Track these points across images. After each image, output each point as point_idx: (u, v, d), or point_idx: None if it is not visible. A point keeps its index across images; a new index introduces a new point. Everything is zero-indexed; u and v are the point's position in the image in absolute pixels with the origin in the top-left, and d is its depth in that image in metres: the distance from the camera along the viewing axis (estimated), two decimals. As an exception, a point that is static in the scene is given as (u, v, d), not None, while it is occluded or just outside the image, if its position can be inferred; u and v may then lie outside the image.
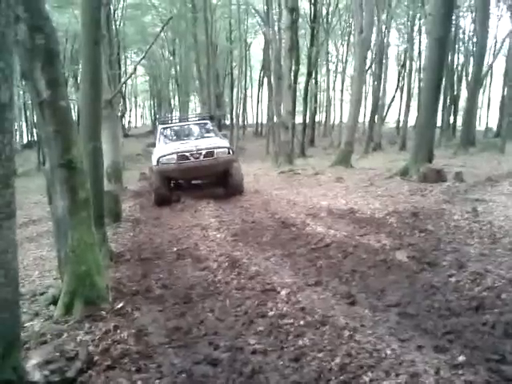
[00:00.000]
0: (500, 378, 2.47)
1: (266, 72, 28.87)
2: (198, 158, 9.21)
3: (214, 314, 3.58)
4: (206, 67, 24.68)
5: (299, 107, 27.38)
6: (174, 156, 9.20)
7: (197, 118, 12.23)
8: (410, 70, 27.85)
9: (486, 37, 20.61)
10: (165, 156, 9.29)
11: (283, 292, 3.88)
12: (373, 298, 3.75)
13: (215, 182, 10.49)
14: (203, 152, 9.26)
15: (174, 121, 12.39)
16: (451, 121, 30.00)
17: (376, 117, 25.27)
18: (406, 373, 2.56)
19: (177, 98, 38.17)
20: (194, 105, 44.21)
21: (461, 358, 2.68)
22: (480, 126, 30.90)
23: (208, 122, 11.55)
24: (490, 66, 27.04)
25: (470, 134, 21.88)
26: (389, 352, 2.80)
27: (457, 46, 27.82)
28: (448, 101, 28.55)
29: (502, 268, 4.21)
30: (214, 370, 2.74)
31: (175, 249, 5.78)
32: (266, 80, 30.96)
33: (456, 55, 28.33)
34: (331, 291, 3.92)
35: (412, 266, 4.47)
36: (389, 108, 31.11)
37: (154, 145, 10.65)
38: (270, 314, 3.47)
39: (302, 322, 3.27)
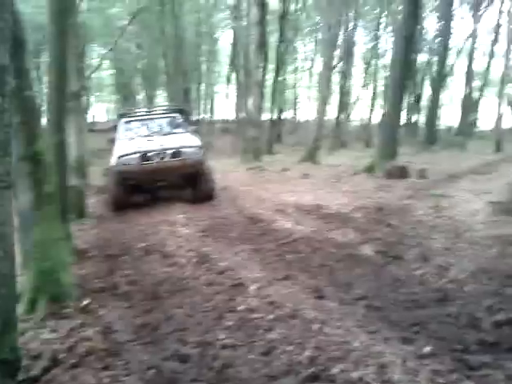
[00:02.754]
0: (464, 366, 2.55)
1: (235, 68, 28.80)
2: (163, 158, 8.13)
3: (182, 310, 3.55)
4: (173, 61, 24.39)
5: (267, 104, 27.45)
6: (136, 156, 8.04)
7: (164, 112, 10.85)
8: (376, 69, 28.30)
9: (448, 37, 21.17)
10: (125, 155, 8.10)
11: (252, 287, 3.89)
12: (340, 291, 3.81)
13: (182, 185, 9.14)
14: (169, 152, 8.17)
15: (138, 114, 10.78)
16: (414, 119, 30.70)
17: (342, 114, 25.58)
18: (374, 364, 2.61)
19: (143, 92, 37.57)
20: (161, 99, 43.63)
21: (426, 349, 2.76)
22: (442, 125, 31.72)
23: (177, 115, 10.26)
24: (452, 66, 27.84)
25: (432, 132, 22.49)
26: (357, 344, 2.85)
27: (421, 46, 28.40)
28: (411, 99, 29.18)
29: (465, 261, 4.36)
30: (183, 366, 2.72)
31: (142, 245, 5.68)
32: (234, 76, 30.87)
33: (420, 54, 28.92)
34: (300, 285, 3.95)
35: (378, 259, 4.56)
36: (355, 105, 31.58)
37: (114, 141, 9.31)
38: (240, 308, 3.47)
39: (271, 316, 3.28)
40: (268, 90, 27.02)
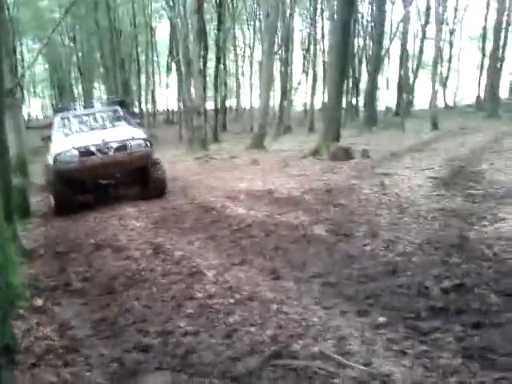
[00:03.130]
0: (417, 333, 2.70)
1: (174, 57, 28.33)
2: (106, 153, 7.48)
3: (140, 302, 3.51)
4: (110, 53, 23.71)
5: (210, 93, 27.28)
6: (76, 152, 7.34)
7: (104, 104, 10.16)
8: (315, 54, 28.73)
9: (383, 21, 21.79)
10: (63, 152, 7.39)
11: (210, 273, 3.90)
12: (296, 271, 3.89)
13: (131, 181, 8.45)
14: (113, 145, 7.53)
15: (75, 108, 10.02)
16: (354, 102, 31.53)
17: (285, 100, 25.84)
18: (334, 337, 2.71)
19: (80, 86, 36.28)
20: (100, 92, 42.31)
21: (381, 319, 2.88)
22: (380, 106, 32.76)
23: (118, 108, 9.57)
24: (387, 49, 28.72)
25: (372, 114, 23.19)
26: (315, 320, 2.94)
27: (357, 30, 29.08)
28: (350, 83, 29.90)
29: (411, 234, 4.57)
30: (146, 356, 2.70)
31: (92, 240, 5.55)
32: (174, 65, 30.39)
33: (356, 39, 29.62)
34: (256, 268, 4.01)
35: (330, 238, 4.69)
36: (296, 91, 31.97)
37: (50, 138, 8.57)
38: (199, 295, 3.48)
39: (231, 301, 3.32)
40: (210, 79, 26.87)
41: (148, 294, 3.65)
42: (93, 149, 7.45)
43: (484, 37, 31.54)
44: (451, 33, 35.31)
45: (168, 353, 2.70)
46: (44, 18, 28.65)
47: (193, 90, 17.67)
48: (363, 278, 3.61)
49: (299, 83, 31.59)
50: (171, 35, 28.71)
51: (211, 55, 27.38)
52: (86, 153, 7.42)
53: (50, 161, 7.63)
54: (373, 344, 2.63)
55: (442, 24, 22.54)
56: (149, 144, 8.01)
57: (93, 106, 10.17)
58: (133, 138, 7.81)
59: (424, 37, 29.02)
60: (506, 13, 24.46)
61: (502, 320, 2.71)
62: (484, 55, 31.69)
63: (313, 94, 27.27)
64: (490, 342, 2.51)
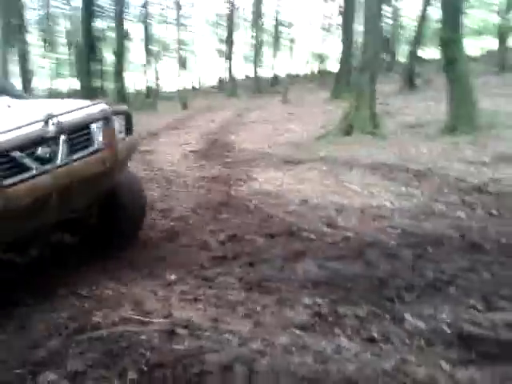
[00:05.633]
0: (205, 281, 3.04)
1: None
2: (54, 156, 2.62)
3: None
4: None
5: None
6: None
7: None
8: (52, 36, 26.80)
9: (123, 3, 21.70)
10: None
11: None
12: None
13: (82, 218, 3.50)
14: (63, 137, 2.66)
15: None
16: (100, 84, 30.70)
17: (26, 83, 23.55)
18: (131, 302, 2.80)
19: None
20: None
21: (172, 277, 3.12)
22: (130, 88, 32.62)
23: None
24: (127, 32, 28.68)
25: (123, 96, 23.13)
26: (110, 292, 3.00)
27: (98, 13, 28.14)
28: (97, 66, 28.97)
29: (183, 201, 4.99)
30: None
31: None
32: None
33: (98, 21, 28.67)
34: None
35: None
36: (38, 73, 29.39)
37: None
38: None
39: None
40: None
41: None
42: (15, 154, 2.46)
43: (218, 23, 34.27)
44: (188, 18, 37.23)
45: None
46: None
47: None
48: (148, 246, 3.79)
49: (41, 67, 29.07)
50: None
51: None
52: (10, 163, 2.44)
53: None
54: (168, 300, 2.84)
55: (180, 9, 23.68)
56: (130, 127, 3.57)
57: None
58: (112, 112, 3.16)
59: (165, 21, 30.04)
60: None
61: (270, 256, 3.30)
62: (221, 40, 34.55)
63: (61, 77, 25.56)
64: (263, 275, 3.03)
